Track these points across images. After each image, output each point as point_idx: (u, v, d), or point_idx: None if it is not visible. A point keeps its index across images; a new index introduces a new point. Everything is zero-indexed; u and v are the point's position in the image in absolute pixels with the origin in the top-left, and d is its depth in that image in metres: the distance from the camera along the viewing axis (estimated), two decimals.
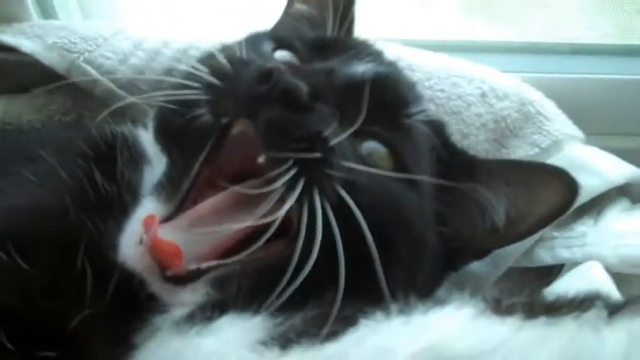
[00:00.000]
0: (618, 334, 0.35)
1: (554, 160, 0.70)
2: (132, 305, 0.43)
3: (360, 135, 0.49)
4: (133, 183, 0.49)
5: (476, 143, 0.73)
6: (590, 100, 0.85)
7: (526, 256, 0.67)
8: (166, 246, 0.42)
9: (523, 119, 0.74)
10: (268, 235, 0.42)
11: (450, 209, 0.55)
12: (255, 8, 0.88)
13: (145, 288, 0.43)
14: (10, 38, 0.74)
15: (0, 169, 0.50)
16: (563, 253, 0.65)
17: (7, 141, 0.61)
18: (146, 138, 0.56)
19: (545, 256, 0.66)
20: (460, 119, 0.74)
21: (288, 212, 0.43)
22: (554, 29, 1.01)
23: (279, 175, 0.42)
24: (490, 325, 0.37)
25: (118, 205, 0.46)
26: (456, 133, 0.72)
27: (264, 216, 0.43)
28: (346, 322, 0.39)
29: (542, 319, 0.37)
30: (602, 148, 0.73)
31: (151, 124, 0.58)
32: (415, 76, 0.73)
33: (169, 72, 0.72)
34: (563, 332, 0.36)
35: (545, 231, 0.66)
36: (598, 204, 0.68)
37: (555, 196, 0.53)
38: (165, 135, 0.54)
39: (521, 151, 0.73)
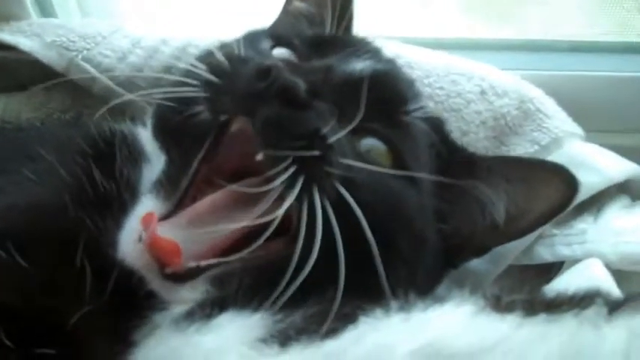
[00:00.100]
0: (618, 331, 0.35)
1: (554, 157, 0.70)
2: (131, 302, 0.43)
3: (358, 132, 0.49)
4: (131, 181, 0.49)
5: (475, 141, 0.73)
6: (590, 97, 0.85)
7: (526, 253, 0.67)
8: (165, 244, 0.42)
9: (523, 117, 0.74)
10: (268, 233, 0.42)
11: (450, 206, 0.55)
12: (253, 7, 0.88)
13: (144, 285, 0.43)
14: (8, 36, 0.74)
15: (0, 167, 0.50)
16: (563, 251, 0.65)
17: (6, 139, 0.61)
18: (145, 136, 0.56)
19: (545, 254, 0.66)
20: (459, 117, 0.74)
21: (287, 210, 0.42)
22: (554, 27, 1.00)
23: (278, 174, 0.42)
24: (490, 322, 0.37)
25: (117, 202, 0.46)
26: (456, 131, 0.72)
27: (263, 215, 0.42)
28: (346, 319, 0.39)
29: (542, 317, 0.37)
30: (601, 145, 0.73)
31: (149, 122, 0.58)
32: (414, 73, 0.72)
33: (168, 70, 0.72)
34: (564, 329, 0.36)
35: (545, 228, 0.66)
36: (598, 201, 0.68)
37: (555, 194, 0.53)
38: (164, 133, 0.54)
39: (520, 148, 0.73)
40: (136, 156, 0.51)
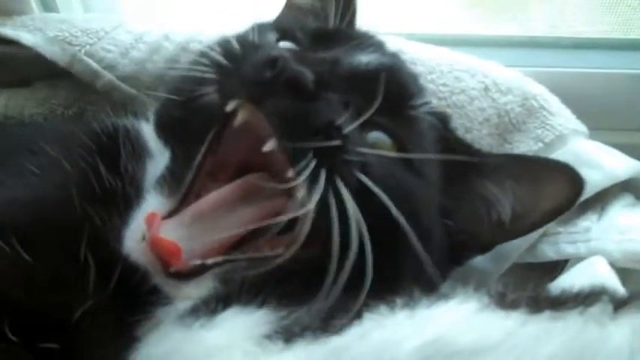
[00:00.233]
0: (623, 328, 0.35)
1: (558, 154, 0.70)
2: (135, 297, 0.43)
3: (366, 125, 0.48)
4: (136, 176, 0.49)
5: (479, 138, 0.73)
6: (594, 94, 0.85)
7: (530, 251, 0.67)
8: (166, 244, 0.42)
9: (526, 113, 0.74)
10: (276, 230, 0.42)
11: (456, 203, 0.55)
12: (255, 3, 0.88)
13: (148, 280, 0.43)
14: (10, 31, 0.74)
15: (3, 162, 0.50)
16: (567, 249, 0.65)
17: (10, 134, 0.61)
18: (148, 131, 0.55)
19: (549, 252, 0.66)
20: (463, 113, 0.74)
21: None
22: (558, 24, 1.00)
23: (302, 170, 0.41)
24: (494, 319, 0.37)
25: (122, 198, 0.46)
26: (459, 128, 0.71)
27: (277, 213, 0.42)
28: (350, 315, 0.39)
29: (547, 314, 0.36)
30: (605, 143, 0.72)
31: (152, 118, 0.57)
32: (418, 69, 0.72)
33: (171, 65, 0.72)
34: (568, 327, 0.36)
35: (549, 226, 0.65)
36: (602, 199, 0.68)
37: (561, 192, 0.53)
38: (167, 128, 0.54)
39: (524, 145, 0.73)
40: (139, 151, 0.51)
